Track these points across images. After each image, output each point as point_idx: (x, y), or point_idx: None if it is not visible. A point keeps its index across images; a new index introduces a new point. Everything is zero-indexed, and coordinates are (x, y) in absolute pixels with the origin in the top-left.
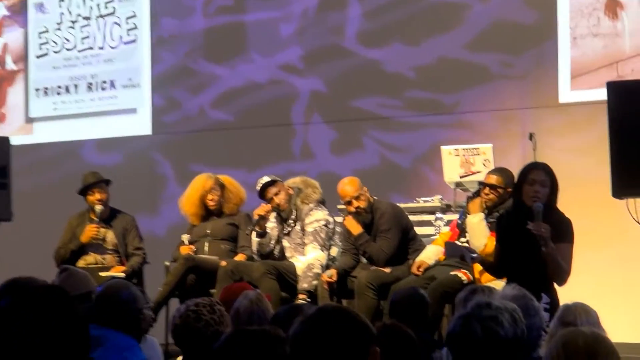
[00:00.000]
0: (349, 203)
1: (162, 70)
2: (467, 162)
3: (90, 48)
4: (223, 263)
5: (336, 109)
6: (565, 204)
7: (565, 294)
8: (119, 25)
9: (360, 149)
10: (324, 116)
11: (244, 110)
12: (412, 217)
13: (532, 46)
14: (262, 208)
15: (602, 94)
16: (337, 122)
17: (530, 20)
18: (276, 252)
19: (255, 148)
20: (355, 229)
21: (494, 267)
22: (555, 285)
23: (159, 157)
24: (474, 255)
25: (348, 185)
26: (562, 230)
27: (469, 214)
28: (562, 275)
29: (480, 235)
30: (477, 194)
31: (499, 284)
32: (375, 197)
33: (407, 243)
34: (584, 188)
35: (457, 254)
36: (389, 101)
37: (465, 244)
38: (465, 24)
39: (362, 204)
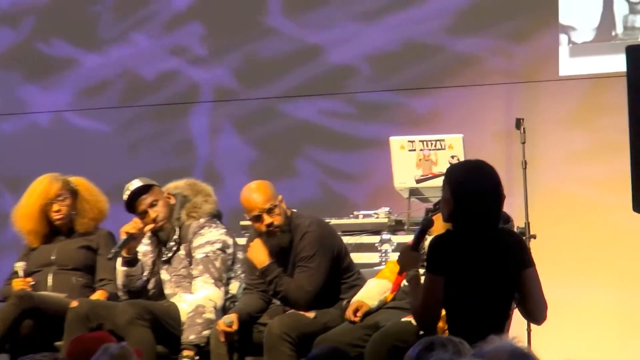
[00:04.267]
0: (257, 218)
1: None
2: (426, 159)
3: None
4: (74, 303)
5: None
6: (563, 216)
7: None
8: None
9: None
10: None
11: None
12: (347, 240)
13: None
14: (133, 224)
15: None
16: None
17: None
18: (151, 287)
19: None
20: (260, 259)
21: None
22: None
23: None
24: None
25: (256, 193)
26: None
27: (429, 234)
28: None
29: None
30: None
31: None
32: (294, 210)
33: (340, 276)
34: (592, 195)
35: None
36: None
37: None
38: None
39: (277, 219)
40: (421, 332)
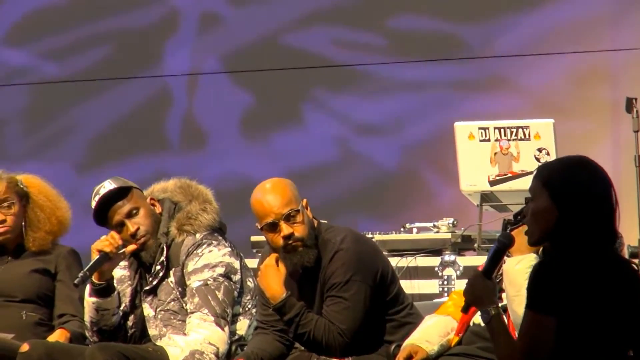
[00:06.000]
0: (272, 227)
1: None
2: (504, 153)
3: None
4: (24, 347)
5: (251, 48)
6: None
7: None
8: None
9: (299, 126)
10: (228, 63)
11: (71, 53)
12: (396, 262)
13: None
14: (108, 240)
15: None
16: (252, 75)
17: None
18: (130, 326)
19: (91, 128)
20: (274, 289)
21: None
22: None
23: None
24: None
25: (271, 194)
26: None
27: (509, 255)
28: None
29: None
30: (524, 217)
31: None
32: (323, 221)
33: (385, 311)
34: None
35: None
36: (356, 36)
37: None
38: None
39: (299, 230)
40: None
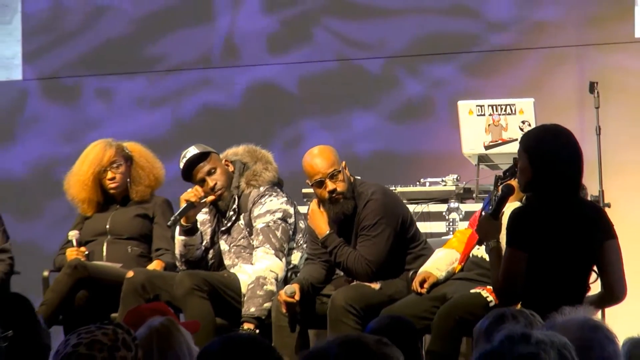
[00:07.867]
0: (320, 184)
1: None
2: (496, 124)
3: None
4: (130, 273)
5: None
6: (638, 184)
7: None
8: None
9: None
10: None
11: None
12: (413, 208)
13: None
14: (194, 192)
15: None
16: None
17: None
18: (210, 258)
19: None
20: (320, 227)
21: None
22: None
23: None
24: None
25: (318, 158)
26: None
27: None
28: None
29: None
30: (511, 173)
31: None
32: (357, 177)
33: (406, 246)
34: None
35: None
36: None
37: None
38: None
39: (340, 186)
40: (492, 304)
